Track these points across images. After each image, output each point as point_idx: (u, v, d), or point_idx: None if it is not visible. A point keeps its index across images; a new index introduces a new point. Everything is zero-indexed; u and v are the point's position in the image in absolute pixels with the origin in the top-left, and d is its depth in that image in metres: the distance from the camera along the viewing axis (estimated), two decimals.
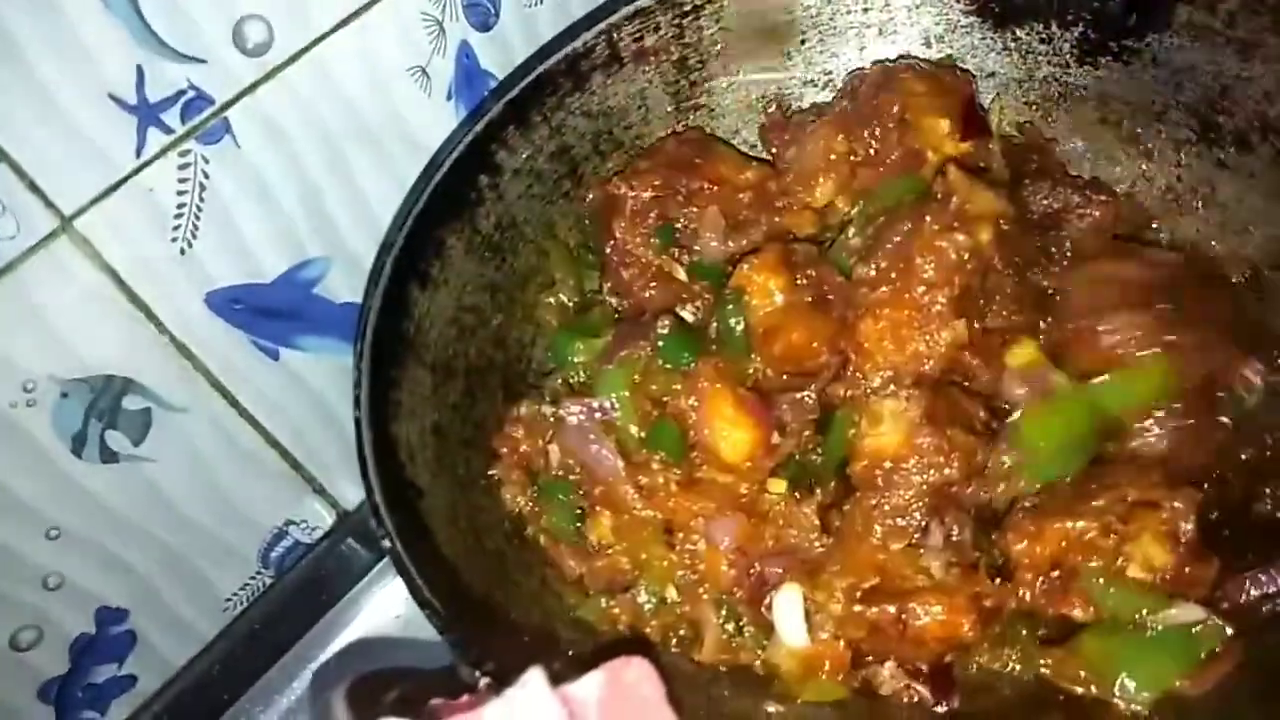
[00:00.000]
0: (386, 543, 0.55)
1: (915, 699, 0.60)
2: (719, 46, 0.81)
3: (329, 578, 0.87)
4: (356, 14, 0.73)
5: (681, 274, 0.76)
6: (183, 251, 0.71)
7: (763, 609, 0.64)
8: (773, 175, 0.78)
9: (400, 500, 0.59)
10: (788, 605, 0.62)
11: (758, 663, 0.64)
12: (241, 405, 0.80)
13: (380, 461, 0.59)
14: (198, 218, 0.71)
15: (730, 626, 0.65)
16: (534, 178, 0.76)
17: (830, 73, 0.84)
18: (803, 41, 0.82)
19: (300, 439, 0.84)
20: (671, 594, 0.66)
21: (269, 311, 0.79)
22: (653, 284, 0.76)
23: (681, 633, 0.66)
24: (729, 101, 0.83)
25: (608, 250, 0.77)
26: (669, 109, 0.82)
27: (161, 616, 0.82)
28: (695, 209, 0.76)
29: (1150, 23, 0.73)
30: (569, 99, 0.76)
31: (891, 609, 0.60)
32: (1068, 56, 0.78)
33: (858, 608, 0.61)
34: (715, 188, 0.76)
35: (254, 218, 0.75)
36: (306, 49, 0.72)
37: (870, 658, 0.62)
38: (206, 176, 0.70)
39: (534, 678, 0.37)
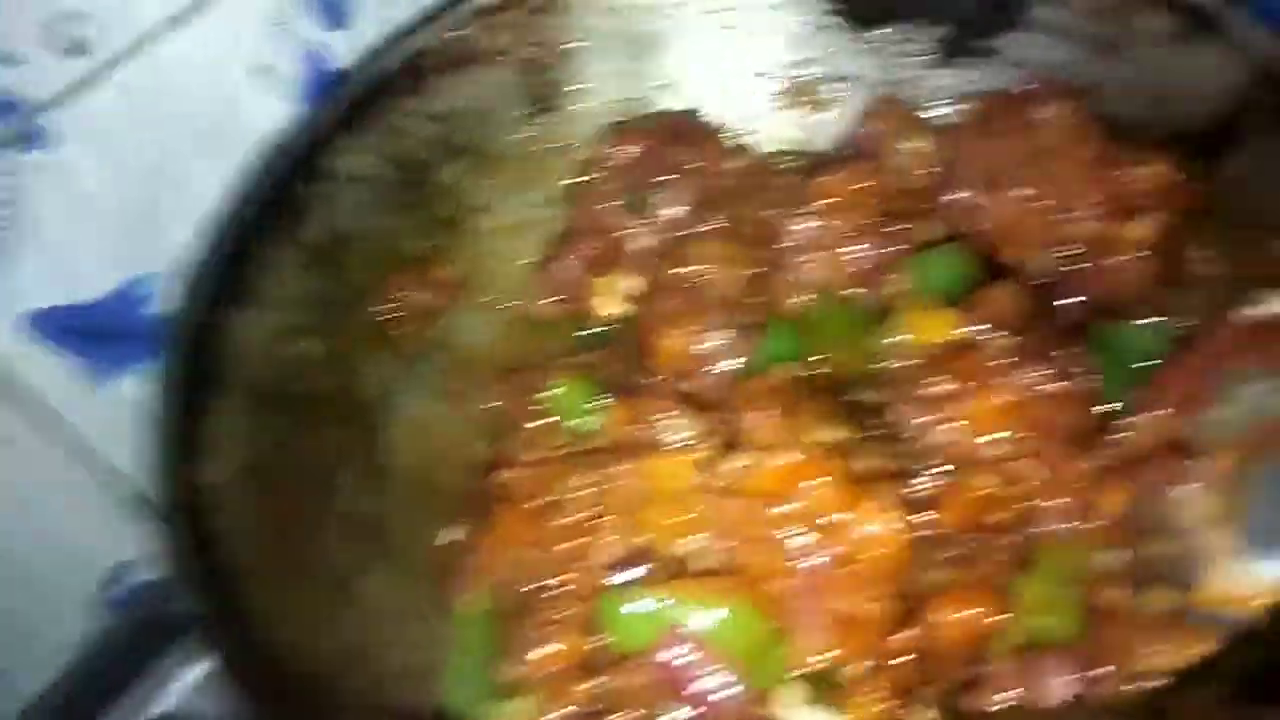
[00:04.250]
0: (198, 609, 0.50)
1: None
2: (569, 48, 0.78)
3: (171, 616, 0.82)
4: (189, 11, 0.69)
5: (645, 242, 0.73)
6: None
7: None
8: (759, 171, 0.76)
9: (199, 554, 0.54)
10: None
11: None
12: (68, 436, 0.75)
13: (178, 509, 0.54)
14: (13, 231, 0.67)
15: None
16: (369, 185, 0.72)
17: (686, 75, 0.80)
18: (657, 44, 0.80)
19: (135, 469, 0.79)
20: None
21: (96, 333, 0.75)
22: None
23: None
24: (584, 105, 0.80)
25: (573, 209, 0.77)
26: (517, 113, 0.78)
27: None
28: (675, 177, 0.74)
29: (1007, 21, 0.72)
30: (407, 101, 0.72)
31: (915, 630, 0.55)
32: (927, 58, 0.77)
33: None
34: (701, 165, 0.75)
35: (78, 231, 0.71)
36: (134, 50, 0.68)
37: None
38: (24, 186, 0.66)
39: None
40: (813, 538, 0.52)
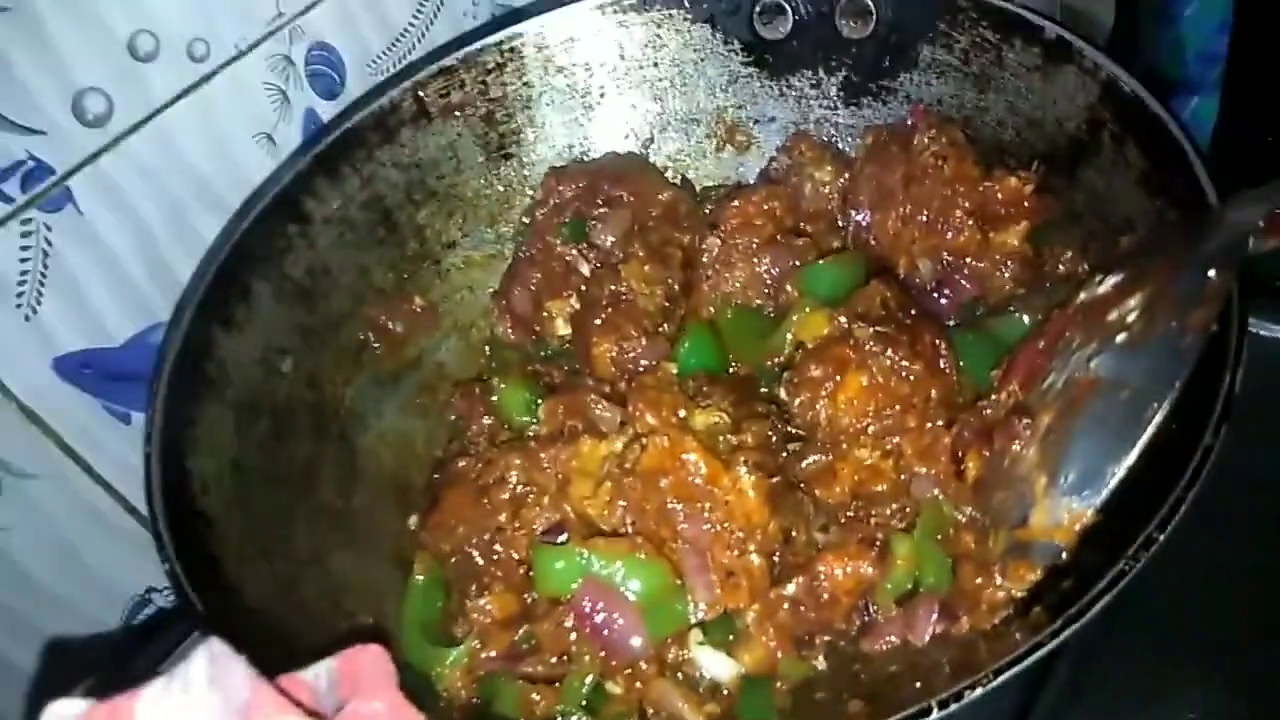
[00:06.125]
0: (166, 565, 0.58)
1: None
2: (523, 101, 0.86)
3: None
4: (197, 85, 0.77)
5: (585, 269, 0.81)
6: (27, 318, 0.73)
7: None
8: (685, 200, 0.84)
9: (187, 529, 0.61)
10: (706, 658, 0.62)
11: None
12: (95, 471, 0.80)
13: (168, 493, 0.62)
14: (42, 284, 0.73)
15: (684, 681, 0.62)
16: (346, 225, 0.80)
17: (629, 123, 0.89)
18: (602, 95, 0.88)
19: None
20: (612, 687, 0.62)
21: (119, 375, 0.80)
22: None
23: None
24: (540, 151, 0.89)
25: (524, 243, 0.83)
26: (480, 160, 0.86)
27: (19, 693, 0.79)
28: (608, 210, 0.82)
29: (900, 63, 0.81)
30: (379, 152, 0.81)
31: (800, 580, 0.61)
32: (835, 99, 0.86)
33: (772, 595, 0.61)
34: (633, 198, 0.83)
35: (100, 283, 0.77)
36: (148, 119, 0.75)
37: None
38: (49, 244, 0.73)
39: (200, 653, 0.35)
40: (691, 505, 0.60)
